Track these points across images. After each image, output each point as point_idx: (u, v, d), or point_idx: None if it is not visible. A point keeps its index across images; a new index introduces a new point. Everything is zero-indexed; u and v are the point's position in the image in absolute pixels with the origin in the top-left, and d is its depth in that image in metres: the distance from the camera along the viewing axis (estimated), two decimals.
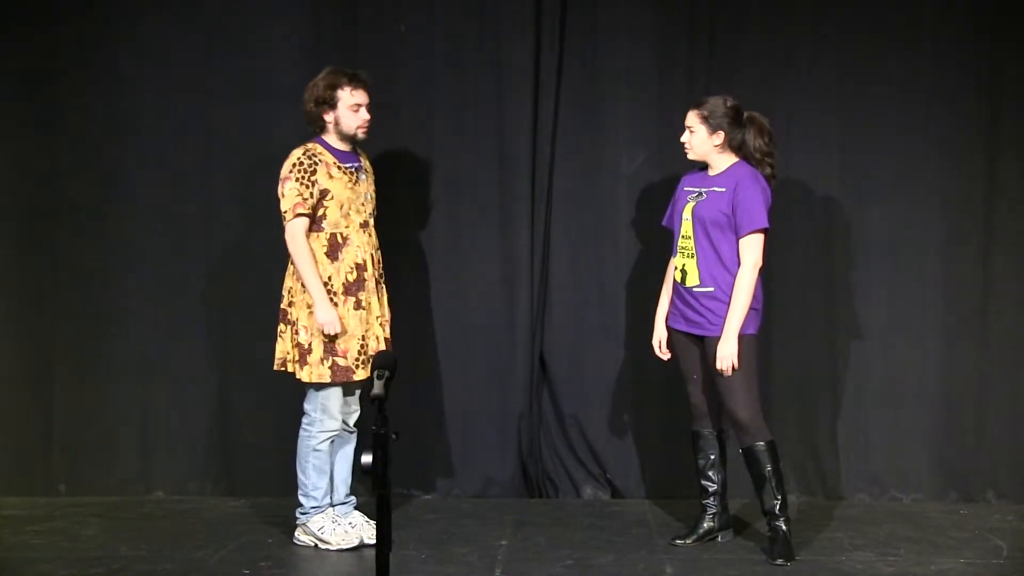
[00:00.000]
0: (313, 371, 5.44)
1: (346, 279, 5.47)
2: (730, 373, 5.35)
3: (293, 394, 5.65)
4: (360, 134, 5.51)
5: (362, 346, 5.49)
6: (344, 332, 5.44)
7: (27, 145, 6.38)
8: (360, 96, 5.46)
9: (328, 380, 5.45)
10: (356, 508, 5.73)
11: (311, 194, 5.39)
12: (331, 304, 5.40)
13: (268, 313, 5.87)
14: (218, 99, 6.37)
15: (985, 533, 5.88)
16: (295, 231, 5.40)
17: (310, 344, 5.43)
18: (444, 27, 6.39)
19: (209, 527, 5.91)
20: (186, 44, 6.36)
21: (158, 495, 6.43)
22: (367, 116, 5.49)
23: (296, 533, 5.66)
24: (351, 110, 5.46)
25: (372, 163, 5.74)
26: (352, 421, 5.67)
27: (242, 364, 6.38)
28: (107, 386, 6.43)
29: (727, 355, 5.33)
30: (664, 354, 5.68)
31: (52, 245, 6.41)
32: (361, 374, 5.48)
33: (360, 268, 5.49)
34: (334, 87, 5.44)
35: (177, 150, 6.39)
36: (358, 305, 5.48)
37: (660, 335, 5.66)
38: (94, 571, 5.25)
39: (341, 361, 5.44)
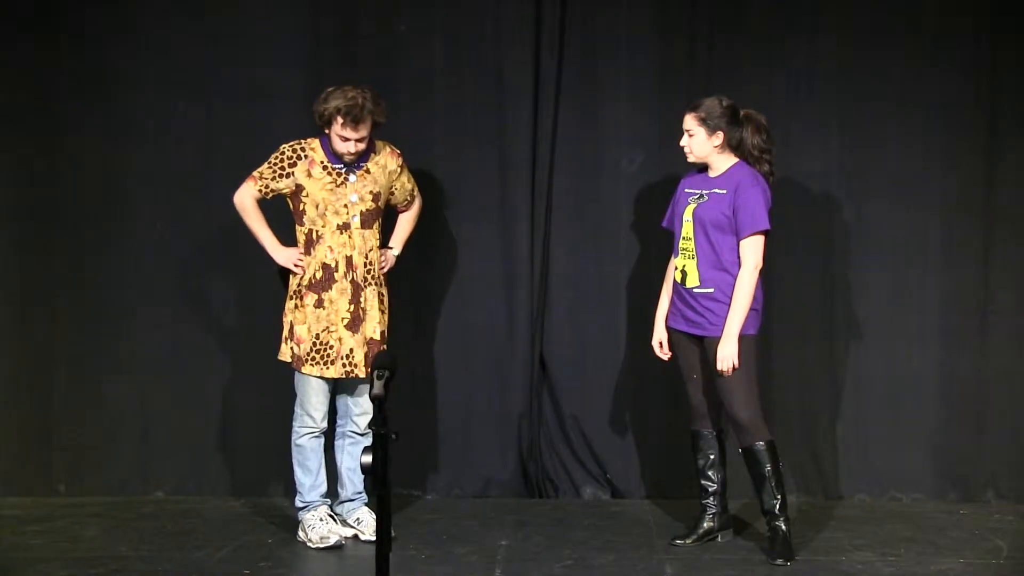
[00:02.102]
0: (284, 350, 5.61)
1: (313, 276, 5.53)
2: (730, 373, 5.35)
3: (293, 394, 5.65)
4: (346, 159, 5.52)
5: (316, 343, 5.52)
6: (303, 324, 5.52)
7: (27, 145, 6.38)
8: (349, 132, 5.42)
9: (288, 360, 5.59)
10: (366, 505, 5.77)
11: (272, 177, 5.54)
12: (281, 246, 5.60)
13: (268, 314, 5.89)
14: (218, 100, 6.37)
15: (985, 533, 5.88)
16: (242, 190, 5.63)
17: (281, 323, 5.62)
18: (444, 28, 6.40)
19: (209, 527, 5.91)
20: (186, 45, 6.36)
21: (158, 495, 6.42)
22: (353, 149, 5.47)
23: (298, 530, 5.68)
24: (339, 138, 5.47)
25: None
26: (363, 424, 5.66)
27: (242, 364, 6.39)
28: (107, 386, 6.42)
29: (727, 356, 5.33)
30: (664, 354, 5.68)
31: (52, 245, 6.41)
32: (311, 369, 5.52)
33: (329, 269, 5.52)
34: (331, 113, 5.41)
35: (177, 150, 6.39)
36: (319, 303, 5.52)
37: (660, 335, 5.66)
38: (94, 571, 5.25)
39: (295, 348, 5.55)
